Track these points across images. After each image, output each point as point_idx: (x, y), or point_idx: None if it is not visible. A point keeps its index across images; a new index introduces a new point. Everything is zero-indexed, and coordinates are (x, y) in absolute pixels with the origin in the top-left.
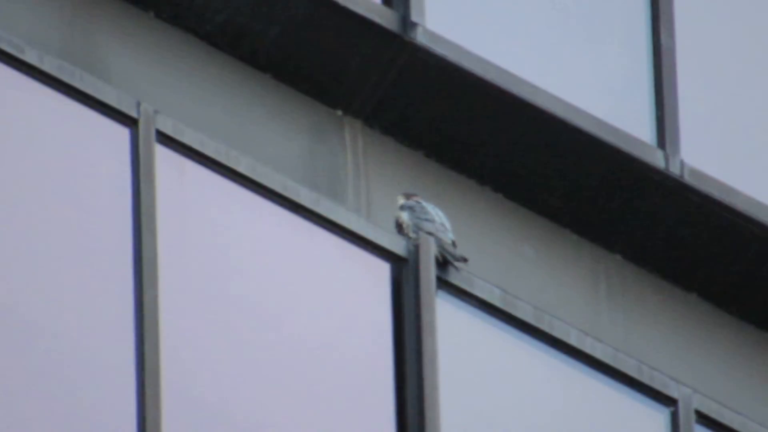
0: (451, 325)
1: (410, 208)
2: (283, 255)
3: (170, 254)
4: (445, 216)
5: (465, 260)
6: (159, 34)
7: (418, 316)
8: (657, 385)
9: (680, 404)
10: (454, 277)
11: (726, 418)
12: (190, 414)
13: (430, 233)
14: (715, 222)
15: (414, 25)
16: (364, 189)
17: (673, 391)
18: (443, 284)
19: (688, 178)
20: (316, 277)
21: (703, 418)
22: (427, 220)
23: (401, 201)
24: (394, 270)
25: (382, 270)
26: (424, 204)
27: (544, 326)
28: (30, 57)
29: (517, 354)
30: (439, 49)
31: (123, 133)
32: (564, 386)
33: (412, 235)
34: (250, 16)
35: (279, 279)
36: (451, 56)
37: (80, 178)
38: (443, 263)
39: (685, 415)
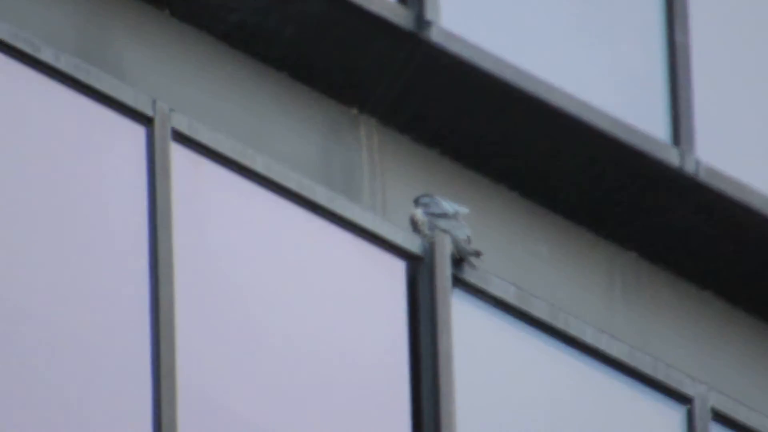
0: (466, 323)
1: (425, 205)
2: (298, 253)
3: (186, 252)
4: (459, 206)
5: (479, 254)
6: (175, 33)
7: (433, 314)
8: (673, 383)
9: (696, 402)
10: (469, 275)
11: (742, 415)
12: (206, 413)
13: (445, 231)
14: (730, 220)
15: (428, 23)
16: (380, 187)
17: (689, 389)
18: (459, 282)
19: (703, 176)
20: (331, 275)
21: (719, 416)
22: (441, 216)
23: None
24: (410, 268)
25: (398, 268)
26: (438, 198)
27: (559, 324)
28: (46, 55)
29: (533, 352)
30: (453, 48)
31: (138, 131)
32: (579, 384)
33: (427, 232)
34: (265, 15)
35: (294, 277)
36: (466, 54)
37: (96, 177)
38: (459, 261)
39: (701, 413)
